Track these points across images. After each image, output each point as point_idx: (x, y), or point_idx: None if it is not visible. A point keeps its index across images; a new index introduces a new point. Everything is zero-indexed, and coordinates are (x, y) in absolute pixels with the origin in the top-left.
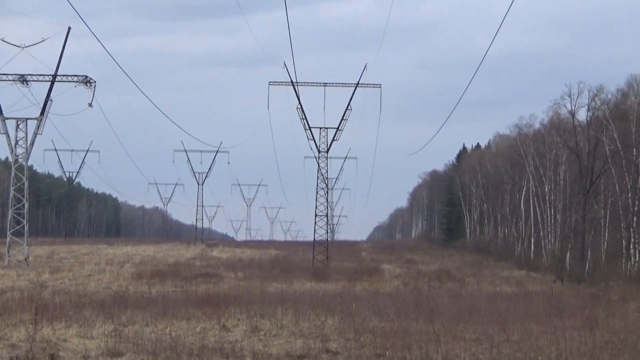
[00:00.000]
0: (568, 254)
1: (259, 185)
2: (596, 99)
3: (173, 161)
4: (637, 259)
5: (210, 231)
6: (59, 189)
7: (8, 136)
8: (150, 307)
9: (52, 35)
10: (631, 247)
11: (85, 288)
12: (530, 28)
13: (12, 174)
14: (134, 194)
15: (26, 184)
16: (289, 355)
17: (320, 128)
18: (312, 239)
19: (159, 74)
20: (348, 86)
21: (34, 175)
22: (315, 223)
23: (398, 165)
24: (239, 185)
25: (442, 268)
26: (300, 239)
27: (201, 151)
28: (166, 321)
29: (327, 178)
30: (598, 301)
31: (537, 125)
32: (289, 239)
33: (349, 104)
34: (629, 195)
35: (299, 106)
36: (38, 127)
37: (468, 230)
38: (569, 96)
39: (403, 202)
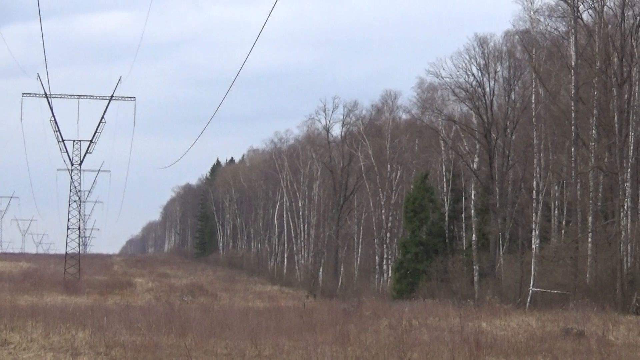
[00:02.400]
0: (321, 270)
1: (11, 197)
2: (351, 114)
3: None
4: (389, 274)
5: None
6: None
7: None
8: None
9: None
10: (384, 263)
11: None
12: (288, 44)
13: None
14: None
15: None
16: None
17: (74, 140)
18: (64, 252)
19: None
20: (102, 99)
21: None
22: (67, 236)
23: (152, 178)
24: None
25: (195, 282)
26: (52, 252)
27: None
28: None
29: (79, 191)
30: (350, 317)
31: (292, 140)
32: (41, 251)
33: (102, 116)
34: (383, 211)
35: (52, 118)
36: None
37: (221, 244)
38: (324, 111)
39: (156, 216)
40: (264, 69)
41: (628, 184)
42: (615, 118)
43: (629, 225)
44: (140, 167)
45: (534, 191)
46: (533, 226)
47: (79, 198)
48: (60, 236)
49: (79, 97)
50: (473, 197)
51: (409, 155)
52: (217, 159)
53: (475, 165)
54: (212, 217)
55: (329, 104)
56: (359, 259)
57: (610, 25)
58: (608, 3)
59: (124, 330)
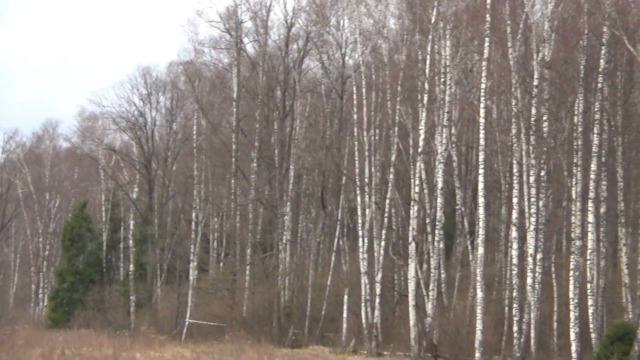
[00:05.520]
0: None
1: None
2: (11, 141)
3: None
4: (45, 303)
5: None
6: None
7: None
8: None
9: None
10: (40, 292)
11: None
12: None
13: None
14: None
15: None
16: None
17: None
18: None
19: None
20: None
21: None
22: None
23: None
24: None
25: None
26: None
27: None
28: None
29: None
30: (2, 345)
31: None
32: None
33: None
34: (40, 239)
35: None
36: None
37: None
38: None
39: None
40: None
41: (287, 217)
42: (276, 151)
43: (287, 258)
44: None
45: (193, 222)
46: (191, 257)
47: None
48: None
49: None
50: (132, 227)
51: (68, 184)
52: None
53: (134, 195)
54: None
55: None
56: (14, 287)
57: (274, 59)
58: (272, 36)
59: None
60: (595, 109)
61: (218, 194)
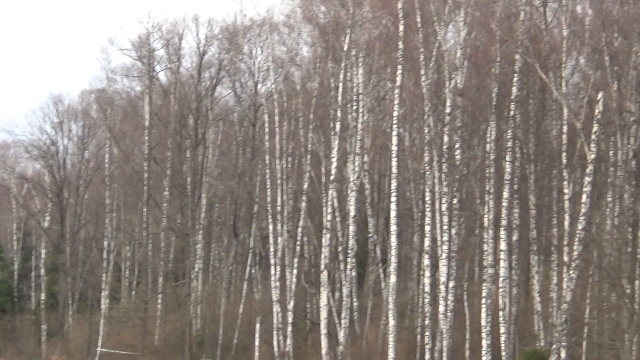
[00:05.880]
0: None
1: None
2: None
3: None
4: None
5: None
6: None
7: None
8: None
9: None
10: None
11: None
12: None
13: None
14: None
15: None
16: None
17: None
18: None
19: None
20: None
21: None
22: None
23: None
24: None
25: None
26: None
27: None
28: None
29: None
30: None
31: None
32: None
33: None
34: None
35: None
36: None
37: None
38: None
39: None
40: None
41: (199, 245)
42: (189, 179)
43: (199, 287)
44: None
45: (105, 251)
46: (103, 286)
47: None
48: None
49: None
50: (43, 255)
51: None
52: None
53: (46, 224)
54: None
55: None
56: None
57: (186, 86)
58: (184, 64)
59: None
60: (508, 137)
61: (130, 223)
